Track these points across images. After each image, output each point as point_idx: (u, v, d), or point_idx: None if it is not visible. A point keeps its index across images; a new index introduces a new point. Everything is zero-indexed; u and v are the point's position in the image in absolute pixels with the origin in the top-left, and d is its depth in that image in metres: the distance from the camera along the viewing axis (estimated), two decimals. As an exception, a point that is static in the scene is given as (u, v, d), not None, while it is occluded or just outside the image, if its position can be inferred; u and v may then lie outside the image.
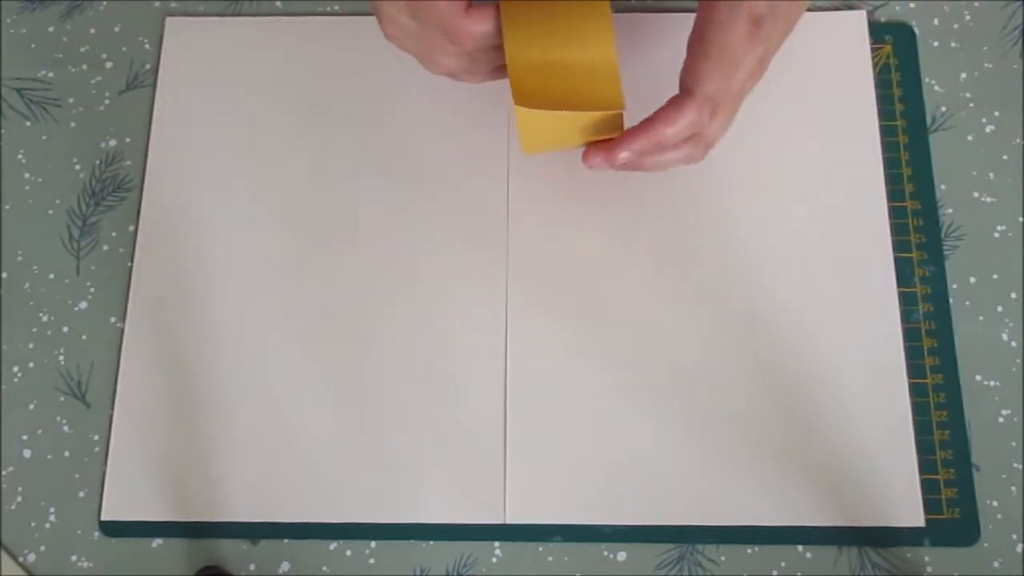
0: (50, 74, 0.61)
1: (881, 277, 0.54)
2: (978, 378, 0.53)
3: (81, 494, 0.53)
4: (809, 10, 0.54)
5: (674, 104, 0.46)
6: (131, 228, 0.57)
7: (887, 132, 0.57)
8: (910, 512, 0.50)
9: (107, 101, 0.60)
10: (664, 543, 0.51)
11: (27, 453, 0.54)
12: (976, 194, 0.56)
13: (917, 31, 0.59)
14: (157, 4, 0.62)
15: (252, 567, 0.51)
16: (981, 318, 0.54)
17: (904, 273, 0.54)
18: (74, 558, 0.52)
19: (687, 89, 0.46)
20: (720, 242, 0.55)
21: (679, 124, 0.46)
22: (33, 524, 0.52)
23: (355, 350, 0.54)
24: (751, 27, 0.45)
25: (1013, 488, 0.51)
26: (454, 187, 0.56)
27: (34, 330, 0.56)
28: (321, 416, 0.53)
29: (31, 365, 0.55)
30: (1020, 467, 0.51)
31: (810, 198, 0.56)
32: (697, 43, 0.46)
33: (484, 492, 0.51)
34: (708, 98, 0.46)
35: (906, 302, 0.54)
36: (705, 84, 0.45)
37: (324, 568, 0.51)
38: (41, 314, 0.56)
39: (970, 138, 0.57)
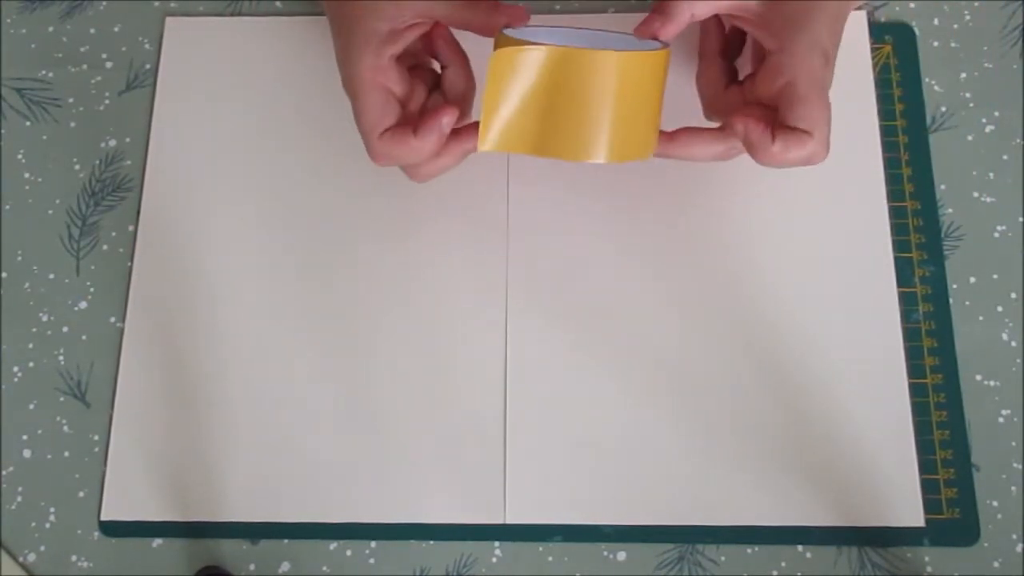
0: (50, 74, 0.61)
1: (881, 277, 0.54)
2: (978, 378, 0.53)
3: (81, 494, 0.53)
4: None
5: (798, 140, 0.46)
6: (131, 228, 0.57)
7: (887, 132, 0.57)
8: (910, 512, 0.50)
9: (107, 101, 0.60)
10: (664, 543, 0.51)
11: (27, 453, 0.54)
12: (976, 194, 0.56)
13: (917, 31, 0.59)
14: (157, 4, 0.62)
15: (252, 567, 0.51)
16: (981, 318, 0.54)
17: (904, 273, 0.54)
18: (74, 558, 0.52)
19: (807, 132, 0.46)
20: (720, 242, 0.55)
21: (800, 154, 0.46)
22: (33, 524, 0.52)
23: (355, 350, 0.54)
24: (823, 61, 0.47)
25: (1013, 488, 0.51)
26: (454, 187, 0.56)
27: (34, 330, 0.56)
28: (321, 416, 0.53)
29: (31, 365, 0.55)
30: (1020, 467, 0.51)
31: (810, 198, 0.56)
32: (788, 89, 0.46)
33: (484, 492, 0.51)
34: (826, 136, 0.46)
35: (906, 302, 0.54)
36: (821, 126, 0.46)
37: (324, 568, 0.51)
38: (41, 314, 0.56)
39: (970, 138, 0.57)
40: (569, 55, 0.44)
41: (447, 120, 0.46)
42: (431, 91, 0.50)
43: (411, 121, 0.47)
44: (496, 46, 0.46)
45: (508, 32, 0.47)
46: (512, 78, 0.44)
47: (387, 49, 0.47)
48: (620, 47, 0.46)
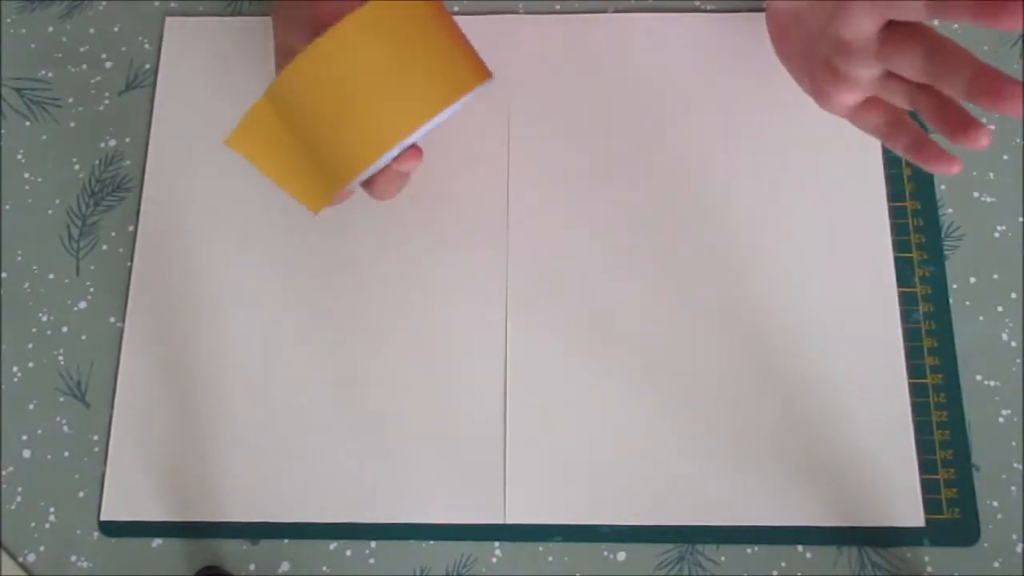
0: (50, 74, 0.61)
1: (881, 277, 0.54)
2: (978, 378, 0.53)
3: (81, 494, 0.53)
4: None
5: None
6: (131, 228, 0.57)
7: (887, 132, 0.57)
8: (910, 512, 0.50)
9: (107, 101, 0.60)
10: (664, 543, 0.51)
11: (27, 453, 0.54)
12: (976, 194, 0.56)
13: (917, 31, 0.59)
14: (157, 4, 0.62)
15: (252, 567, 0.51)
16: (981, 318, 0.54)
17: (904, 273, 0.54)
18: (74, 558, 0.52)
19: None
20: (720, 243, 0.55)
21: None
22: (33, 524, 0.52)
23: (356, 349, 0.54)
24: None
25: (1013, 488, 0.51)
26: (454, 188, 0.56)
27: (34, 330, 0.56)
28: (321, 416, 0.53)
29: (31, 365, 0.55)
30: (1020, 467, 0.51)
31: (810, 198, 0.56)
32: None
33: (484, 492, 0.51)
34: None
35: (906, 302, 0.54)
36: None
37: (324, 568, 0.51)
38: (41, 314, 0.56)
39: (970, 138, 0.57)
40: (272, 92, 0.43)
41: None
42: None
43: None
44: None
45: None
46: (262, 146, 0.45)
47: None
48: None
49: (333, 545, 0.51)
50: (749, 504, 0.51)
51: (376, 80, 0.41)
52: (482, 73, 0.45)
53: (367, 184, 0.49)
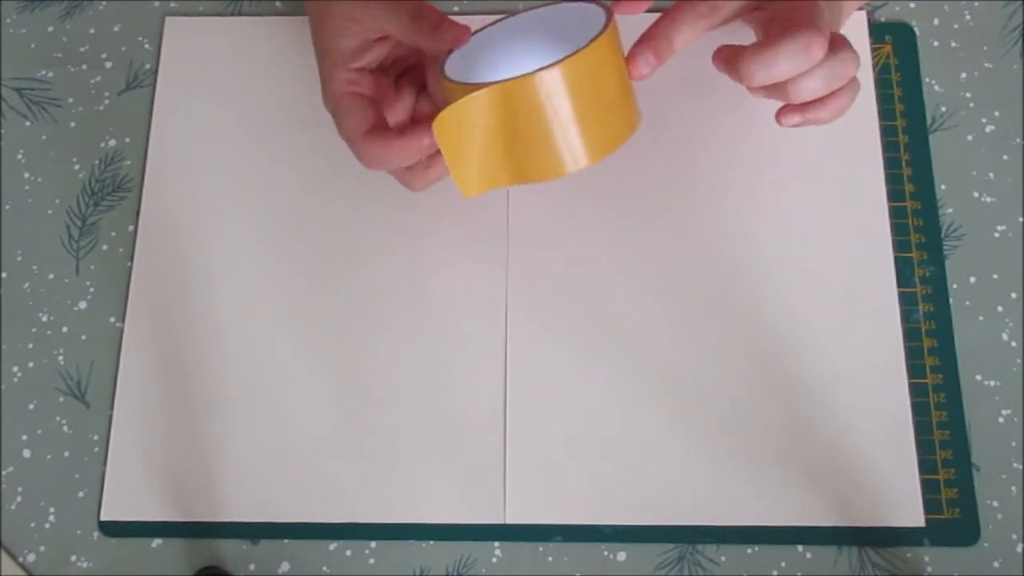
0: (50, 74, 0.61)
1: (881, 277, 0.54)
2: (978, 378, 0.53)
3: (81, 494, 0.53)
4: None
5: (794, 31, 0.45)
6: (131, 228, 0.57)
7: (887, 132, 0.57)
8: (910, 512, 0.50)
9: (107, 101, 0.60)
10: (664, 543, 0.51)
11: (27, 453, 0.54)
12: (976, 194, 0.56)
13: (917, 31, 0.59)
14: (157, 4, 0.62)
15: (252, 567, 0.51)
16: (981, 318, 0.54)
17: (904, 273, 0.54)
18: (74, 558, 0.52)
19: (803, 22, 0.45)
20: (720, 243, 0.55)
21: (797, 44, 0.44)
22: (33, 524, 0.52)
23: (355, 350, 0.54)
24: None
25: (1013, 488, 0.51)
26: (455, 187, 0.56)
27: (34, 330, 0.56)
28: (321, 416, 0.53)
29: (31, 365, 0.55)
30: (1020, 467, 0.51)
31: (810, 198, 0.56)
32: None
33: (484, 492, 0.51)
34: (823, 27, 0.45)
35: (906, 302, 0.54)
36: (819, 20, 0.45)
37: (324, 568, 0.51)
38: (41, 314, 0.56)
39: (970, 138, 0.57)
40: (507, 89, 0.43)
41: (428, 143, 0.46)
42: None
43: (399, 128, 0.47)
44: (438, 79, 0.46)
45: (451, 60, 0.47)
46: (461, 130, 0.44)
47: (356, 63, 0.48)
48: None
49: (333, 545, 0.51)
50: (749, 504, 0.51)
51: (581, 113, 0.44)
52: (637, 115, 0.48)
53: (407, 174, 0.50)
